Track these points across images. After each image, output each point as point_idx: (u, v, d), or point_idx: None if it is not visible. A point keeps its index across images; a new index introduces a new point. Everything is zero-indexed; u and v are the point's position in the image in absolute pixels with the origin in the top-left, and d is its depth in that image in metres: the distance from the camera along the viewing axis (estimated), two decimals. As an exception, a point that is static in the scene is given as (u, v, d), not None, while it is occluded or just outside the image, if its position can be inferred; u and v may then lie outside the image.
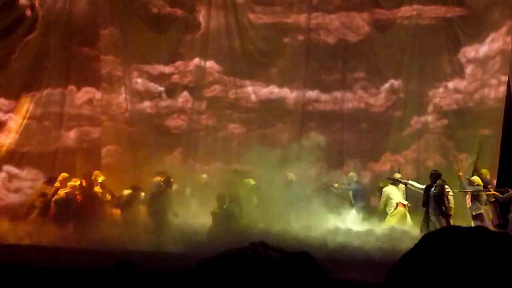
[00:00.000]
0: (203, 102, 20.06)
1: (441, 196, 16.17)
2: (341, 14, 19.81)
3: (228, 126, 19.94)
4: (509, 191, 16.45)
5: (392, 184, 17.47)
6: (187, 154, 19.68)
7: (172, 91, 20.13)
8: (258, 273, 1.65)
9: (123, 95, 19.99)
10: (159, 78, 20.12)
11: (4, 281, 11.16)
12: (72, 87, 20.16)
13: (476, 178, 16.77)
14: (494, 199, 16.70)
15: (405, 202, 17.24)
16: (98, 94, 20.24)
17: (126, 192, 17.79)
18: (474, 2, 19.20)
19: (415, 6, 19.46)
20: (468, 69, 19.27)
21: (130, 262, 7.82)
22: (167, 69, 20.11)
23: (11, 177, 19.84)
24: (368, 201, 18.29)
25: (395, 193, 17.21)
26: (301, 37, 19.88)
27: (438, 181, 16.42)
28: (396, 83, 19.52)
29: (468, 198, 16.64)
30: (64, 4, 20.13)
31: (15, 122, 19.91)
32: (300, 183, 17.64)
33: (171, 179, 17.31)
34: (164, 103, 20.10)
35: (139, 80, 20.09)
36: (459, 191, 16.86)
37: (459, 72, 19.30)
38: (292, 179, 17.67)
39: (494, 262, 1.60)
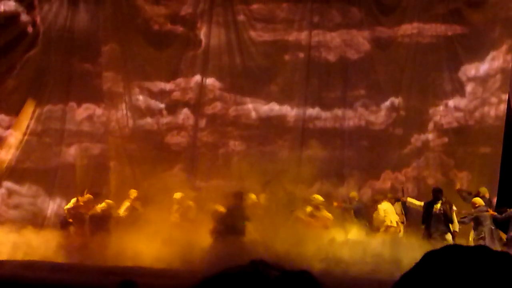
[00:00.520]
0: (204, 119, 20.06)
1: (448, 213, 16.00)
2: (341, 31, 19.87)
3: (229, 143, 19.93)
4: (507, 210, 16.32)
5: (388, 200, 17.35)
6: (187, 171, 19.64)
7: (172, 108, 20.13)
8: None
9: (124, 112, 19.99)
10: (160, 94, 20.12)
11: None
12: (72, 104, 20.17)
13: (477, 200, 16.52)
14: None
15: (396, 220, 17.05)
16: (98, 111, 20.25)
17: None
18: (474, 21, 19.26)
19: (415, 24, 19.52)
20: (469, 87, 19.30)
21: (132, 280, 7.78)
22: (168, 85, 20.12)
23: (10, 193, 19.80)
24: (371, 218, 18.15)
25: (389, 211, 17.03)
26: (302, 55, 19.92)
27: (442, 198, 16.25)
28: (396, 100, 19.54)
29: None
30: (65, 20, 20.18)
31: (15, 138, 19.89)
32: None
33: (243, 194, 16.93)
34: (164, 119, 20.10)
35: (140, 97, 20.10)
36: (464, 215, 16.61)
37: (459, 90, 19.33)
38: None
39: (495, 281, 1.59)
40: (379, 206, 17.13)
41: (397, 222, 17.02)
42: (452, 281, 1.61)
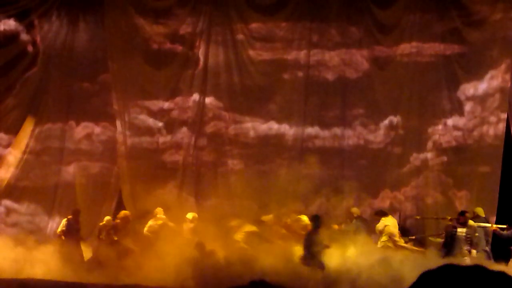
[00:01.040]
0: (202, 138, 20.04)
1: (473, 238, 16.02)
2: (340, 51, 19.89)
3: (227, 161, 19.90)
4: (510, 228, 16.34)
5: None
6: (185, 190, 19.61)
7: (171, 127, 20.11)
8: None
9: (122, 130, 19.98)
10: (159, 113, 20.12)
11: None
12: (71, 122, 20.18)
13: (471, 223, 16.50)
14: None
15: (397, 232, 17.06)
16: (97, 129, 20.26)
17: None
18: (473, 40, 19.29)
19: (414, 44, 19.56)
20: (467, 106, 19.31)
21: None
22: (167, 104, 20.12)
23: (9, 211, 19.78)
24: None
25: (391, 226, 16.99)
26: (300, 74, 19.93)
27: (469, 222, 16.23)
28: (395, 119, 19.54)
29: None
30: (65, 40, 20.23)
31: (14, 156, 19.89)
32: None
33: (320, 217, 16.47)
34: (163, 138, 20.08)
35: (138, 116, 20.10)
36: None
37: (458, 109, 19.34)
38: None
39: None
40: (382, 218, 17.11)
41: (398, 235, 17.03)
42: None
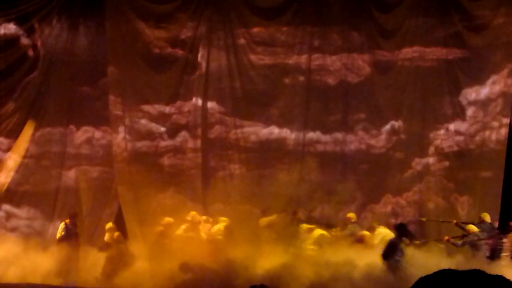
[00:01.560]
0: (203, 142, 19.98)
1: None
2: (342, 55, 19.84)
3: (228, 166, 19.84)
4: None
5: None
6: (186, 194, 19.55)
7: (172, 131, 20.06)
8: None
9: (123, 135, 19.93)
10: (160, 118, 20.07)
11: None
12: (72, 126, 20.14)
13: (470, 227, 16.45)
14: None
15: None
16: (97, 133, 20.21)
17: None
18: (475, 44, 19.25)
19: (416, 48, 19.51)
20: (469, 111, 19.27)
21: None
22: (168, 109, 20.07)
23: (9, 216, 19.74)
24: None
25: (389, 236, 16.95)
26: (301, 78, 19.87)
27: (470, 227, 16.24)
28: (397, 124, 19.49)
29: None
30: (66, 44, 20.19)
31: (14, 161, 19.85)
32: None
33: (405, 225, 16.27)
34: (164, 143, 20.03)
35: (140, 120, 20.05)
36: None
37: (460, 114, 19.30)
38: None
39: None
40: (380, 230, 17.07)
41: None
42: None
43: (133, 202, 19.44)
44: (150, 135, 20.04)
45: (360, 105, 19.77)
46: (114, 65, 19.94)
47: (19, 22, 20.02)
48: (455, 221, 17.17)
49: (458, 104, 19.35)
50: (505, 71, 19.06)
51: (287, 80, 19.91)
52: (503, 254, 15.99)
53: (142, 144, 20.01)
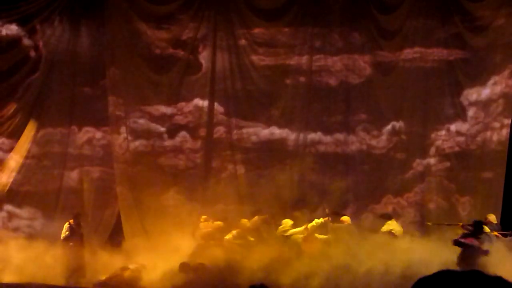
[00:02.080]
0: (204, 143, 19.99)
1: None
2: (343, 56, 19.85)
3: (229, 167, 19.85)
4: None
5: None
6: (186, 195, 19.54)
7: (173, 132, 20.07)
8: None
9: (125, 135, 19.95)
10: (161, 118, 20.09)
11: None
12: (74, 127, 20.17)
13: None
14: None
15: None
16: (98, 134, 20.24)
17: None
18: (476, 45, 19.27)
19: (417, 49, 19.52)
20: (470, 112, 19.28)
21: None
22: (169, 109, 20.08)
23: (11, 216, 19.78)
24: None
25: (397, 232, 17.03)
26: (303, 79, 19.89)
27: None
28: (397, 125, 19.51)
29: None
30: (68, 45, 20.20)
31: (16, 161, 19.88)
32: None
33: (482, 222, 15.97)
34: (165, 143, 20.04)
35: (141, 121, 20.07)
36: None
37: (461, 114, 19.32)
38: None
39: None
40: (388, 222, 17.14)
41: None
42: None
43: (134, 202, 19.46)
44: (151, 136, 20.06)
45: (361, 106, 19.79)
46: (115, 65, 19.96)
47: (21, 23, 20.02)
48: (461, 224, 17.19)
49: (459, 105, 19.37)
50: (506, 72, 19.08)
51: (288, 81, 19.93)
52: None
53: (144, 145, 20.03)
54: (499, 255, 14.60)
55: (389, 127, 19.56)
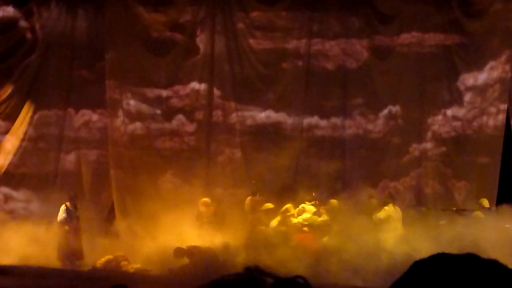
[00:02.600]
0: (201, 126, 20.01)
1: None
2: (340, 40, 19.85)
3: (227, 150, 19.88)
4: None
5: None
6: (183, 178, 19.57)
7: (170, 115, 20.07)
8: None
9: (121, 118, 19.95)
10: (158, 101, 20.08)
11: None
12: (70, 110, 20.16)
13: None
14: None
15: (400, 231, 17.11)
16: (94, 116, 20.24)
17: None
18: (473, 30, 19.29)
19: (414, 34, 19.53)
20: (467, 97, 19.32)
21: (124, 284, 7.78)
22: (166, 92, 20.07)
23: (7, 198, 19.82)
24: None
25: (396, 218, 17.05)
26: (300, 63, 19.90)
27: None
28: (394, 109, 19.54)
29: None
30: (64, 27, 20.15)
31: (12, 143, 19.89)
32: None
33: None
34: (162, 126, 20.05)
35: (138, 104, 20.06)
36: None
37: (457, 99, 19.36)
38: None
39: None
40: (385, 208, 17.18)
41: None
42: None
43: (129, 185, 19.49)
44: (148, 119, 20.06)
45: (358, 90, 19.81)
46: (113, 48, 19.92)
47: (17, 4, 19.97)
48: (455, 209, 17.27)
49: (456, 90, 19.41)
50: (503, 57, 19.11)
51: (285, 65, 19.92)
52: None
53: (140, 127, 20.02)
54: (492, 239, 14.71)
55: (385, 111, 19.59)
